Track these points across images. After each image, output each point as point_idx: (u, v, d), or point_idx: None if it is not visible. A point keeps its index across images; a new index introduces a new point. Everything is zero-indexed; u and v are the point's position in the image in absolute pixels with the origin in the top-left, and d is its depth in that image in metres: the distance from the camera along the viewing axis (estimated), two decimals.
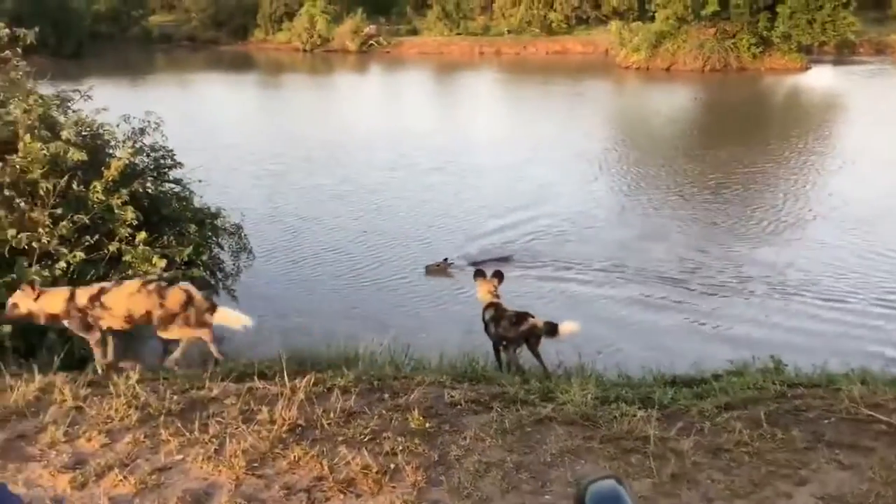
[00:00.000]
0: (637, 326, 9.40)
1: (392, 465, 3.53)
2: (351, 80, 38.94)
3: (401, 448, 3.68)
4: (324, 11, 48.08)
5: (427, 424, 3.93)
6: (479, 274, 6.45)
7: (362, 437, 3.81)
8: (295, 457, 3.61)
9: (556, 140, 21.17)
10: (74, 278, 6.29)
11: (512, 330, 5.96)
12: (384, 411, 4.11)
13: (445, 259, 11.32)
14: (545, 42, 48.03)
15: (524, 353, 6.11)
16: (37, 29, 7.65)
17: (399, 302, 10.26)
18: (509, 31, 49.75)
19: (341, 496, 3.34)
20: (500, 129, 23.35)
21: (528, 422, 4.03)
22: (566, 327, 5.95)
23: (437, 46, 47.99)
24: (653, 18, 40.18)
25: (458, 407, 4.22)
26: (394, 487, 3.39)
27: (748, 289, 10.48)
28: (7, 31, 7.33)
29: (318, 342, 7.09)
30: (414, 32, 51.34)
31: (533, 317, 6.02)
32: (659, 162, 18.93)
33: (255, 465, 3.59)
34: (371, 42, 47.91)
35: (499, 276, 6.37)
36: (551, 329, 5.94)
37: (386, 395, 4.33)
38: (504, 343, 6.03)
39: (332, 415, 4.02)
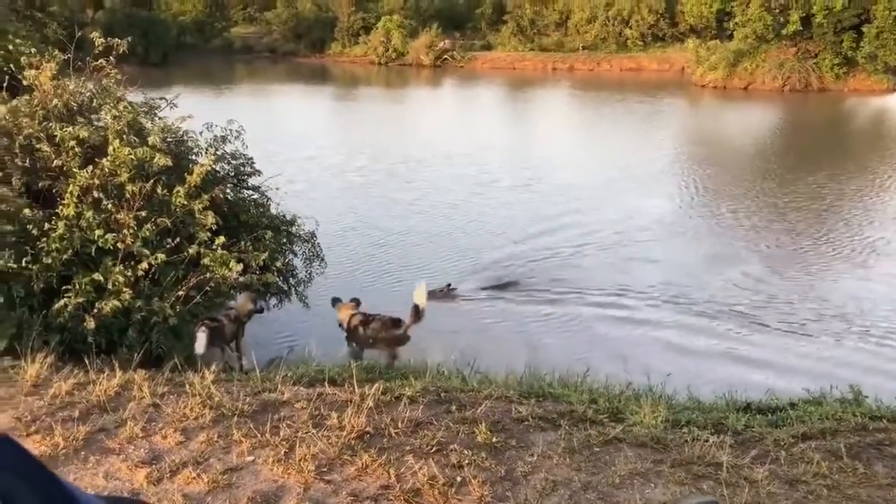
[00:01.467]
0: (705, 353, 9.18)
1: (458, 478, 3.53)
2: (426, 94, 39.29)
3: (467, 461, 3.67)
4: (400, 26, 48.80)
5: (494, 439, 3.92)
6: (337, 301, 7.40)
7: (429, 447, 3.82)
8: (363, 464, 3.64)
9: (633, 158, 20.79)
10: (156, 279, 6.51)
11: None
12: (451, 423, 4.11)
13: (448, 285, 11.06)
14: (619, 59, 47.68)
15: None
16: (129, 39, 7.97)
17: (467, 316, 10.25)
18: (583, 48, 49.52)
19: None
20: (578, 147, 23.10)
21: (596, 441, 3.97)
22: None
23: (510, 61, 48.14)
24: (731, 37, 39.46)
25: (526, 423, 4.19)
26: (459, 500, 3.38)
27: (829, 327, 10.09)
28: (102, 40, 7.65)
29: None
30: (488, 47, 51.62)
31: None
32: (740, 184, 18.40)
33: (324, 470, 3.63)
34: (445, 56, 48.35)
35: (356, 301, 7.36)
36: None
37: (453, 408, 4.33)
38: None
39: (399, 424, 4.04)
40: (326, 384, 4.77)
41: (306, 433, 3.97)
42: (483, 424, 4.03)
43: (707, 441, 3.92)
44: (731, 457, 3.75)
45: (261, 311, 7.36)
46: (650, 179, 18.43)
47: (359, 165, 19.52)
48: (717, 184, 18.46)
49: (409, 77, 44.89)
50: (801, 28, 35.62)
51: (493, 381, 5.34)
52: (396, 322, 6.87)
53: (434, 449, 3.81)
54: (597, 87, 40.46)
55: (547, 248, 13.11)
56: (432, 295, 10.49)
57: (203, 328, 6.22)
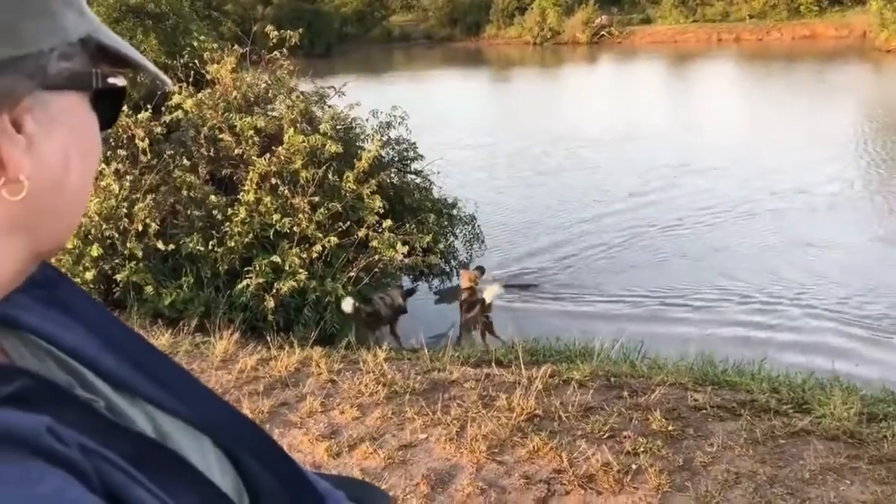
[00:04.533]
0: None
1: (633, 466, 3.43)
2: (584, 73, 38.42)
3: (642, 449, 3.56)
4: (555, 4, 48.06)
5: (670, 427, 3.77)
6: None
7: (601, 433, 3.74)
8: (534, 446, 3.62)
9: (818, 139, 18.54)
10: (328, 261, 6.80)
11: None
12: (623, 409, 4.00)
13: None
14: (791, 26, 44.49)
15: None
16: (300, 31, 8.34)
17: (632, 299, 9.80)
18: (751, 16, 46.71)
19: (581, 491, 3.30)
20: (758, 124, 20.76)
21: (781, 433, 3.74)
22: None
23: (671, 35, 46.16)
24: None
25: (703, 412, 4.01)
26: (635, 489, 3.29)
27: None
28: (276, 33, 8.05)
29: (549, 333, 7.11)
30: (647, 21, 49.83)
31: None
32: None
33: (495, 450, 3.65)
34: (602, 33, 47.17)
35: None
36: None
37: (624, 393, 4.22)
38: None
39: (569, 408, 3.99)
40: (493, 365, 4.79)
41: (476, 413, 4.00)
42: (657, 411, 3.89)
43: None
44: None
45: (405, 311, 7.46)
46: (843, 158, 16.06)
47: (524, 147, 18.69)
48: None
49: (564, 55, 44.16)
50: None
51: (663, 367, 5.16)
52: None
53: (606, 435, 3.72)
54: (767, 57, 38.03)
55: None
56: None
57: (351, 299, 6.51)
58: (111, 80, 0.59)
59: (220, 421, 0.71)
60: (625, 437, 3.69)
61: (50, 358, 0.61)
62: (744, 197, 13.50)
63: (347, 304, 6.45)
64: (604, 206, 13.39)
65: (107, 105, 0.61)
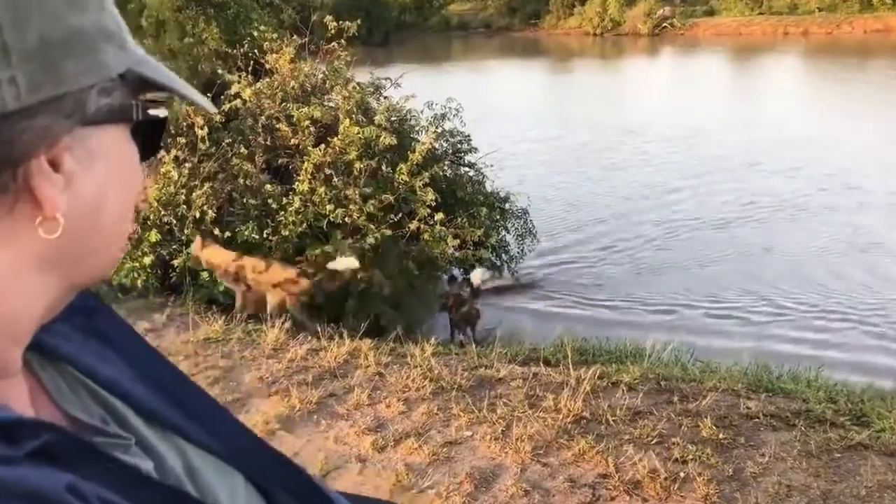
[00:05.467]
0: None
1: (681, 474, 3.37)
2: (646, 65, 37.70)
3: (691, 456, 3.49)
4: None
5: (720, 435, 3.69)
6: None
7: (650, 438, 3.68)
8: (580, 449, 3.58)
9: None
10: (379, 252, 6.84)
11: None
12: (673, 415, 3.93)
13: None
14: (863, 19, 42.95)
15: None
16: (358, 21, 8.38)
17: (686, 300, 9.57)
18: (819, 9, 45.26)
19: (627, 497, 3.25)
20: (830, 123, 19.30)
21: (837, 446, 3.62)
22: None
23: (736, 27, 45.01)
24: None
25: (755, 420, 3.91)
26: (682, 497, 3.23)
27: None
28: (335, 24, 8.10)
29: (599, 333, 7.04)
30: (711, 13, 48.72)
31: None
32: None
33: (540, 452, 3.62)
34: (664, 24, 46.27)
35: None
36: None
37: (675, 398, 4.15)
38: None
39: (617, 411, 3.93)
40: (541, 364, 4.76)
41: (522, 413, 3.97)
42: (708, 418, 3.81)
43: None
44: None
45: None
46: None
47: (582, 141, 18.31)
48: None
49: (625, 47, 43.47)
50: None
51: (716, 372, 5.06)
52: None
53: (655, 440, 3.66)
54: (837, 51, 36.79)
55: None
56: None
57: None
58: (152, 112, 0.59)
59: (253, 456, 0.71)
60: (673, 444, 3.63)
61: (85, 390, 0.62)
62: (820, 199, 12.96)
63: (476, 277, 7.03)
64: (665, 206, 13.04)
65: (148, 134, 0.61)
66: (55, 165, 0.50)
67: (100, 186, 0.55)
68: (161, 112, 0.60)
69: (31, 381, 0.59)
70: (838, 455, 3.57)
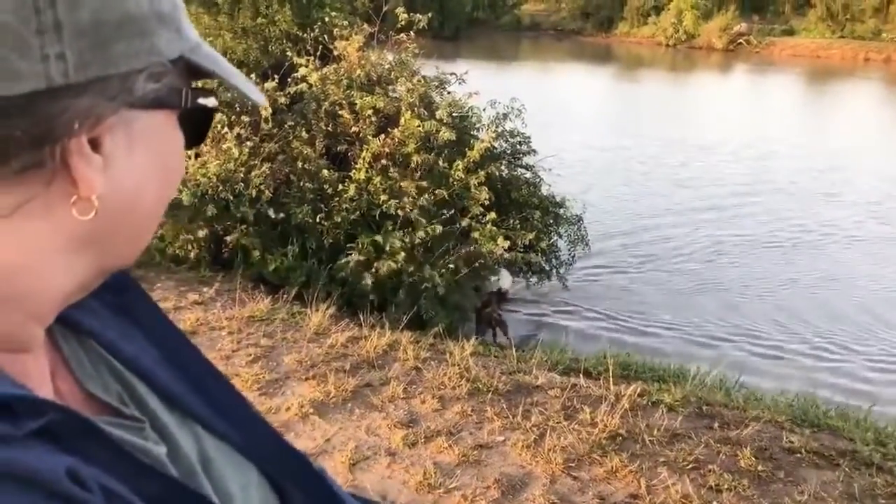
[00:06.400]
0: None
1: (715, 503, 3.28)
2: (719, 80, 36.88)
3: (727, 486, 3.40)
4: (694, 6, 46.48)
5: (759, 467, 3.58)
6: None
7: (685, 463, 3.59)
8: (612, 466, 3.52)
9: None
10: (429, 247, 6.83)
11: None
12: (712, 441, 3.83)
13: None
14: None
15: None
16: (430, 15, 8.38)
17: (742, 324, 9.31)
18: None
19: None
20: None
21: (882, 492, 3.48)
22: None
23: (814, 49, 43.83)
24: None
25: (797, 455, 3.79)
26: None
27: None
28: (406, 16, 8.11)
29: (644, 350, 6.93)
30: (790, 32, 47.52)
31: None
32: None
33: (572, 465, 3.56)
34: (739, 41, 45.29)
35: None
36: None
37: (715, 424, 4.04)
38: None
39: (655, 432, 3.85)
40: (581, 375, 4.69)
41: (557, 423, 3.92)
42: (748, 448, 3.71)
43: None
44: None
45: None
46: None
47: (650, 154, 17.86)
48: None
49: (697, 60, 42.69)
50: None
51: (760, 400, 4.93)
52: None
53: (690, 466, 3.57)
54: None
55: None
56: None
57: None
58: (201, 101, 0.58)
59: (269, 450, 0.69)
60: (709, 471, 3.53)
61: (106, 367, 0.61)
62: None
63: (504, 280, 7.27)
64: (726, 227, 12.77)
65: (195, 122, 0.59)
66: (95, 146, 0.49)
67: (139, 172, 0.53)
68: (210, 101, 0.59)
69: (54, 354, 0.58)
70: (883, 502, 3.43)
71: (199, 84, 0.59)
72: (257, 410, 0.72)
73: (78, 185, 0.48)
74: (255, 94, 0.62)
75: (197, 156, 6.72)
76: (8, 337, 0.50)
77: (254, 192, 6.67)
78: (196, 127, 0.60)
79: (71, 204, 0.49)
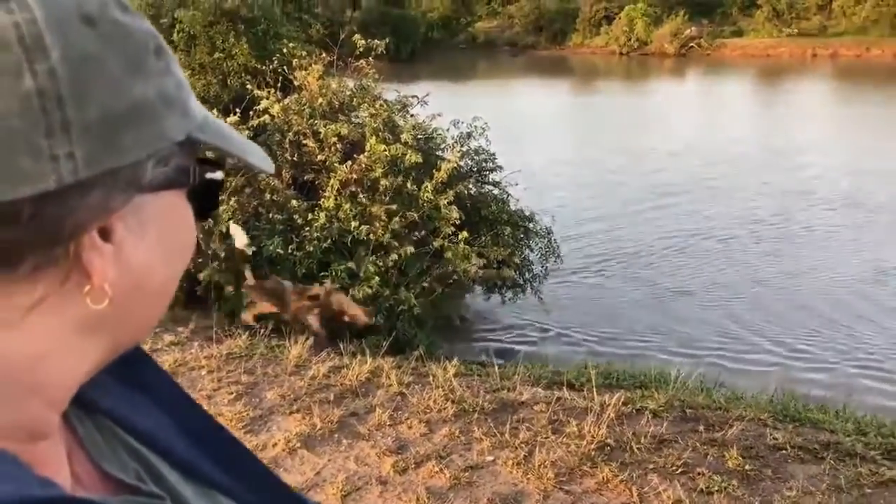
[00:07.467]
0: None
1: None
2: (674, 87, 37.39)
3: (717, 488, 3.43)
4: (644, 14, 47.29)
5: (747, 466, 3.62)
6: None
7: (674, 468, 3.62)
8: (603, 477, 3.53)
9: None
10: (403, 270, 6.83)
11: None
12: (698, 444, 3.87)
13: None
14: (894, 43, 42.60)
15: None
16: (387, 40, 8.43)
17: (718, 324, 9.32)
18: (847, 32, 44.92)
19: None
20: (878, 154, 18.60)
21: (867, 482, 3.54)
22: None
23: (763, 48, 44.85)
24: None
25: (782, 451, 3.84)
26: None
27: None
28: (363, 42, 8.15)
29: (623, 357, 6.97)
30: (739, 34, 48.55)
31: None
32: None
33: (563, 479, 3.57)
34: (690, 45, 46.15)
35: None
36: None
37: (700, 427, 4.08)
38: None
39: (642, 439, 3.87)
40: (565, 388, 4.70)
41: (545, 438, 3.93)
42: (734, 448, 3.75)
43: None
44: None
45: None
46: None
47: (614, 166, 17.91)
48: None
49: (651, 67, 43.39)
50: None
51: (741, 399, 4.99)
52: None
53: (679, 470, 3.60)
54: (868, 74, 36.44)
55: None
56: None
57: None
58: (209, 176, 0.58)
59: None
60: (699, 474, 3.56)
61: (121, 444, 0.61)
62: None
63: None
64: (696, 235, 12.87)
65: (205, 194, 0.59)
66: (106, 234, 0.49)
67: (151, 253, 0.53)
68: (218, 175, 0.59)
69: (69, 436, 0.58)
70: (869, 491, 3.49)
71: (207, 154, 0.59)
72: (274, 472, 0.72)
73: (91, 275, 0.48)
74: (264, 162, 0.63)
75: None
76: (28, 427, 0.50)
77: (224, 228, 6.63)
78: (205, 198, 0.60)
79: (84, 294, 0.49)
